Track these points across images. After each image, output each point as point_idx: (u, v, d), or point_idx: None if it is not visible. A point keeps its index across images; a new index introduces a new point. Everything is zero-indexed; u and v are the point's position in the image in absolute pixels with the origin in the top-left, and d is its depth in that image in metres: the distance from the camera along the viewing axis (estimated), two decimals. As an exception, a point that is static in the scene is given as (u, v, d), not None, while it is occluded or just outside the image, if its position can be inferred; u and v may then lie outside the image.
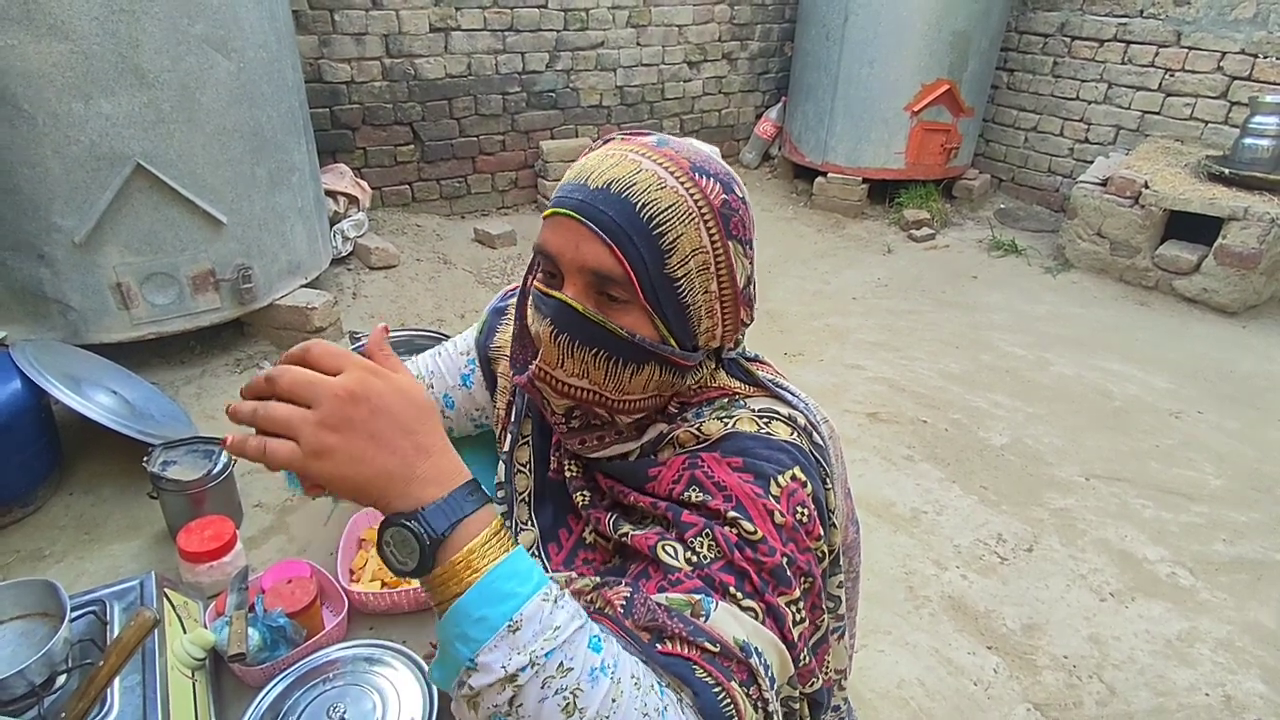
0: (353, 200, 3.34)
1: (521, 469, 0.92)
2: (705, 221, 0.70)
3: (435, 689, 1.36)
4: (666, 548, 0.66)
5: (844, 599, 0.84)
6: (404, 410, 0.55)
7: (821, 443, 0.79)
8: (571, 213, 0.69)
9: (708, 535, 0.65)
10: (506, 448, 0.94)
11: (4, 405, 1.81)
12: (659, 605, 0.62)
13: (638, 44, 4.27)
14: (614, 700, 0.54)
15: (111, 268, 2.21)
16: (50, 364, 1.92)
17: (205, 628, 1.49)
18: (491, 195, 4.16)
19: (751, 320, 0.79)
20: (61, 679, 1.26)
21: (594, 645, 0.56)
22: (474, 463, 1.08)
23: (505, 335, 0.99)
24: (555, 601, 0.56)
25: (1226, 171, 3.26)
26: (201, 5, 2.13)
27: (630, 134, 0.76)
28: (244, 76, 2.30)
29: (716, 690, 0.59)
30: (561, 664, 0.54)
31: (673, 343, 0.72)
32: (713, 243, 0.71)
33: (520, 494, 0.92)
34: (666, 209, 0.69)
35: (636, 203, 0.68)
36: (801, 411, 0.80)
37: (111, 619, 1.40)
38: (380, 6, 3.45)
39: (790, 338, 3.03)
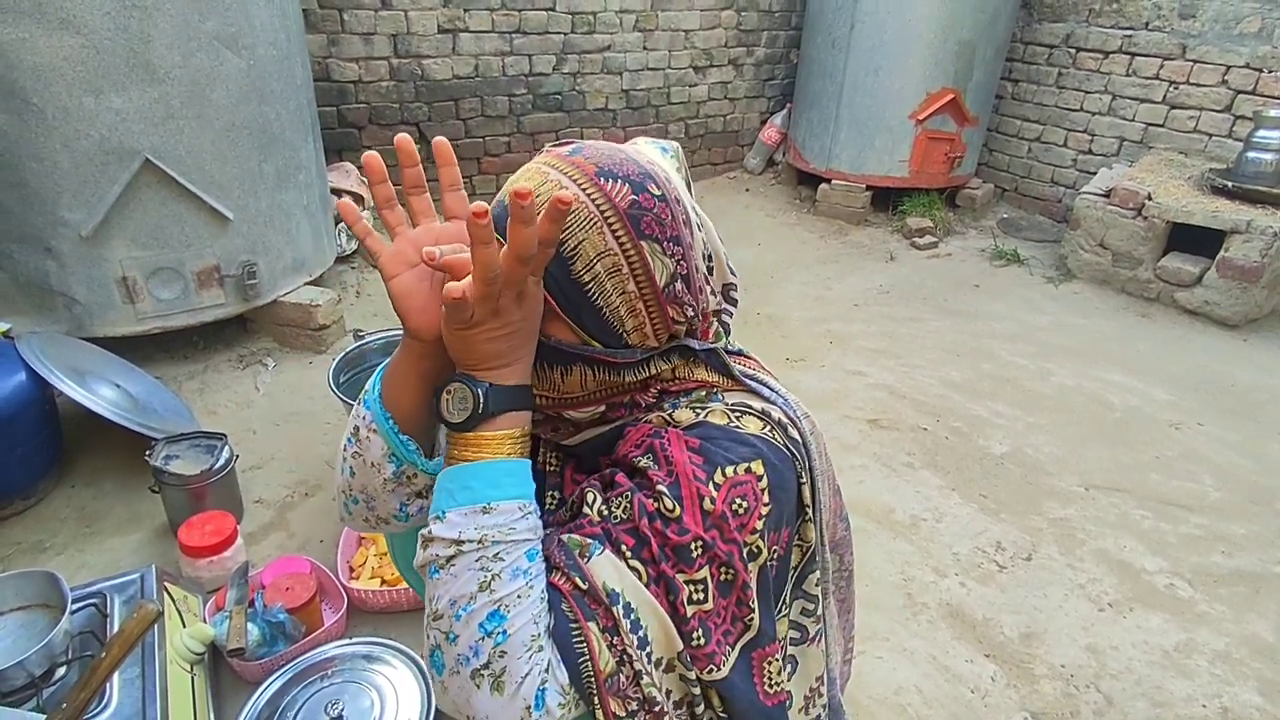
0: (357, 199, 3.35)
1: None
2: (610, 225, 0.70)
3: (433, 690, 1.36)
4: (589, 496, 0.73)
5: (822, 598, 0.84)
6: (536, 326, 0.70)
7: (800, 437, 0.80)
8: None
9: (626, 499, 0.71)
10: None
11: (8, 397, 1.81)
12: (558, 540, 0.70)
13: (644, 48, 4.29)
14: (519, 597, 0.65)
15: (118, 262, 2.22)
16: (55, 356, 1.93)
17: (205, 622, 1.50)
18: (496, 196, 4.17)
19: (689, 319, 0.77)
20: (61, 671, 1.27)
21: (530, 555, 0.67)
22: None
23: None
24: (524, 513, 0.68)
25: (1230, 185, 3.27)
26: (213, 2, 2.14)
27: (555, 145, 0.78)
28: (254, 74, 2.31)
29: (573, 625, 0.66)
30: (498, 554, 0.65)
31: (594, 344, 0.73)
32: (621, 245, 0.71)
33: None
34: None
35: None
36: (778, 406, 0.81)
37: (112, 612, 1.41)
38: (389, 7, 3.47)
39: (792, 343, 3.04)
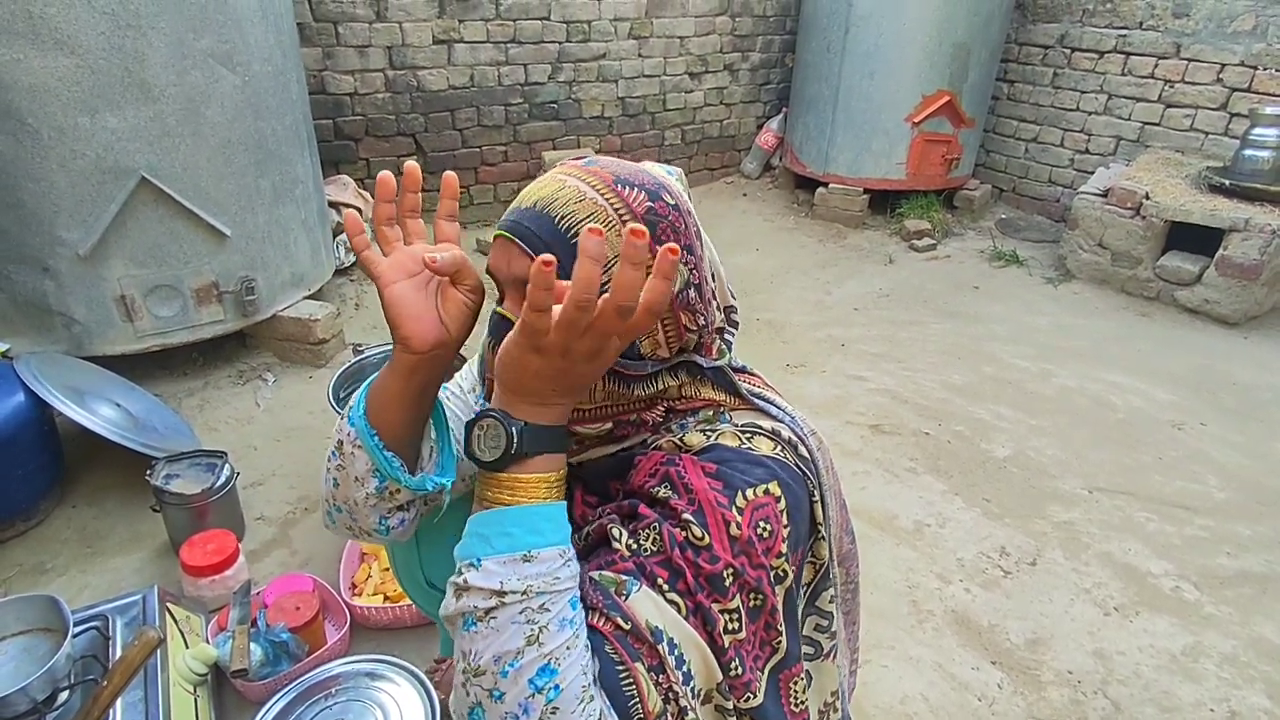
0: (356, 211, 3.35)
1: None
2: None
3: (438, 705, 1.35)
4: (614, 530, 0.70)
5: (836, 614, 0.84)
6: (589, 385, 0.68)
7: (809, 455, 0.79)
8: (505, 232, 0.75)
9: (655, 530, 0.69)
10: None
11: (7, 418, 1.81)
12: (589, 578, 0.67)
13: (639, 55, 4.29)
14: (568, 648, 0.61)
15: (116, 280, 2.22)
16: (54, 376, 1.93)
17: (208, 642, 1.50)
18: (494, 206, 4.18)
19: (700, 328, 0.78)
20: (64, 695, 1.26)
21: (573, 603, 0.63)
22: (470, 493, 1.08)
23: None
24: (565, 560, 0.64)
25: (1227, 183, 3.27)
26: (207, 20, 2.14)
27: (571, 160, 0.80)
28: (249, 90, 2.32)
29: (620, 668, 0.63)
30: (544, 605, 0.62)
31: None
32: None
33: None
34: (584, 219, 0.72)
35: (556, 215, 0.72)
36: (786, 424, 0.80)
37: (114, 634, 1.40)
38: (384, 19, 3.47)
39: (792, 348, 3.03)
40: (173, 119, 2.14)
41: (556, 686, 0.60)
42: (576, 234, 0.70)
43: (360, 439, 0.80)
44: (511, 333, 0.63)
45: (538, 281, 0.56)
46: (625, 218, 0.71)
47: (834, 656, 0.85)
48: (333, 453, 0.84)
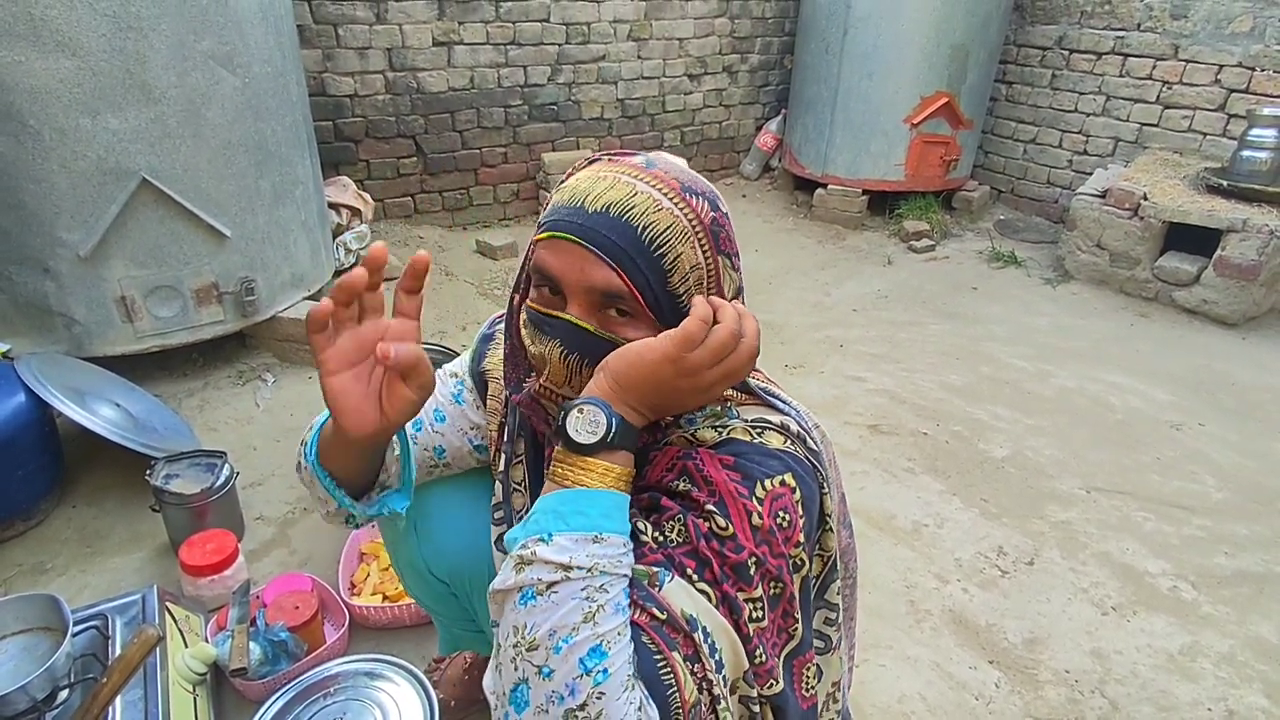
0: (355, 212, 3.36)
1: (517, 487, 0.94)
2: (699, 239, 0.74)
3: (436, 705, 1.36)
4: (640, 525, 0.71)
5: (842, 605, 0.85)
6: (680, 411, 0.75)
7: (816, 448, 0.80)
8: (573, 237, 0.71)
9: (679, 521, 0.69)
10: (501, 467, 0.95)
11: (8, 418, 1.82)
12: None
13: (639, 57, 4.30)
14: (619, 634, 0.62)
15: (116, 281, 2.22)
16: (54, 377, 1.93)
17: (207, 642, 1.50)
18: (493, 207, 4.18)
19: None
20: (64, 694, 1.26)
21: (626, 593, 0.65)
22: (471, 485, 1.10)
23: (494, 359, 1.01)
24: (628, 549, 0.67)
25: (1225, 183, 3.28)
26: (208, 22, 2.15)
27: (616, 155, 0.79)
28: (249, 91, 2.33)
29: (658, 657, 0.63)
30: (604, 586, 0.63)
31: None
32: (706, 259, 0.74)
33: (518, 511, 0.93)
34: (665, 230, 0.72)
35: (637, 225, 0.71)
36: (793, 418, 0.81)
37: (113, 633, 1.40)
38: (384, 21, 3.48)
39: (791, 349, 3.04)
40: (173, 120, 2.15)
41: (605, 670, 0.60)
42: (659, 247, 0.71)
43: (314, 475, 0.83)
44: (661, 339, 0.68)
45: (704, 315, 0.68)
46: (696, 228, 0.73)
47: (839, 648, 0.87)
48: (297, 466, 0.90)
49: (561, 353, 0.75)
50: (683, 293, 0.73)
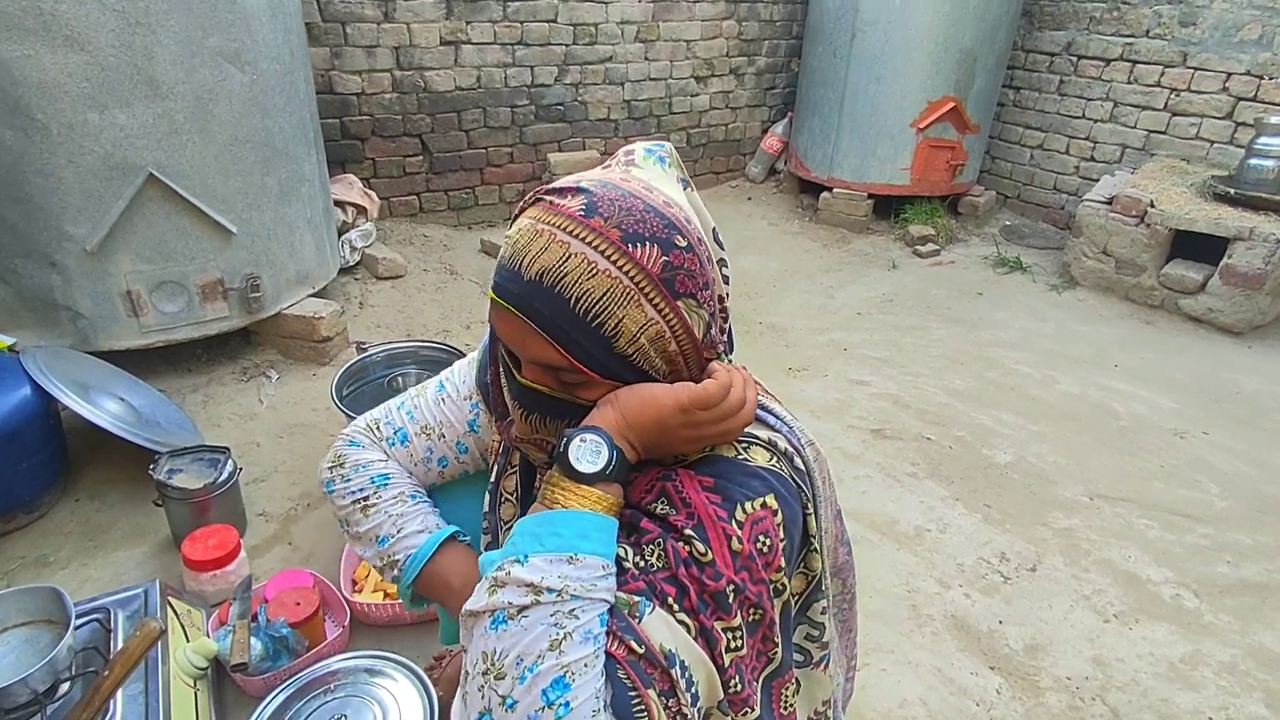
0: (361, 211, 3.36)
1: (509, 498, 0.93)
2: (647, 295, 0.68)
3: (436, 702, 1.36)
4: (621, 548, 0.70)
5: (828, 626, 0.84)
6: (669, 454, 0.75)
7: (804, 467, 0.78)
8: (510, 306, 0.69)
9: (659, 545, 0.68)
10: (494, 478, 0.94)
11: (13, 411, 1.82)
12: None
13: (646, 58, 4.30)
14: (586, 665, 0.61)
15: (122, 276, 2.23)
16: (59, 371, 1.94)
17: (208, 636, 1.50)
18: (499, 206, 4.19)
19: (720, 352, 0.79)
20: (65, 687, 1.27)
21: (602, 620, 0.64)
22: (466, 492, 1.09)
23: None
24: (606, 573, 0.65)
25: (1232, 192, 3.27)
26: (217, 18, 2.16)
27: (556, 194, 0.71)
28: (257, 88, 2.33)
29: (632, 694, 0.62)
30: (575, 611, 0.62)
31: None
32: (660, 312, 0.69)
33: (506, 522, 0.93)
34: (602, 297, 0.67)
35: (570, 297, 0.66)
36: (784, 435, 0.80)
37: (115, 627, 1.41)
38: (392, 19, 3.49)
39: (795, 352, 3.04)
40: (181, 116, 2.16)
41: (567, 704, 0.59)
42: (596, 317, 0.67)
43: (398, 588, 0.98)
44: (678, 388, 0.70)
45: (725, 384, 0.71)
46: (643, 284, 0.67)
47: (825, 666, 0.85)
48: (342, 524, 0.99)
49: (522, 413, 0.78)
50: (633, 352, 0.69)
